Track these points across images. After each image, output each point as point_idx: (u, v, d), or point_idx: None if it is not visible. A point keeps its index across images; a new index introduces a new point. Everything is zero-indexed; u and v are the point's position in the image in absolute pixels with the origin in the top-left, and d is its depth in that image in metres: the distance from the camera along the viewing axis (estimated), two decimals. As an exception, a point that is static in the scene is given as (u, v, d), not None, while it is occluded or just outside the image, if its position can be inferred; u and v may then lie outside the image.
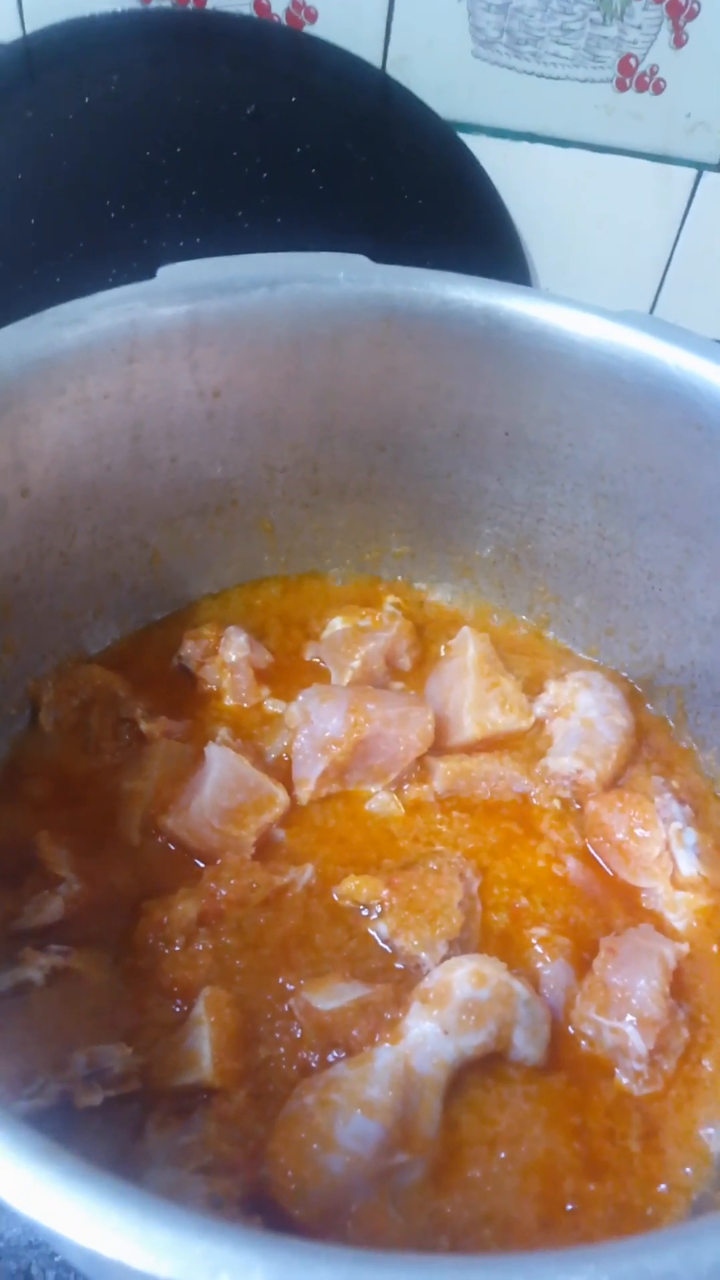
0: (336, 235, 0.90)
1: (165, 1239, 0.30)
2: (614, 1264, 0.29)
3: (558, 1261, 0.30)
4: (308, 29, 0.96)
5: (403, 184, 1.00)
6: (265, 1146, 0.56)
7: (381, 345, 0.73)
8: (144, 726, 0.75)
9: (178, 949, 0.64)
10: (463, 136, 1.00)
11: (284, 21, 0.96)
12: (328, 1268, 0.29)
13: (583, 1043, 0.64)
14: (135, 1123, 0.58)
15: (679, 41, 0.94)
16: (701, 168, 1.03)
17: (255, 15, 0.96)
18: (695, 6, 0.91)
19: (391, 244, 1.00)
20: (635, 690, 0.84)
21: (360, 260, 0.71)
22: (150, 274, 0.68)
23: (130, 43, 0.97)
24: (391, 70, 0.98)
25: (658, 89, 0.97)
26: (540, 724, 0.81)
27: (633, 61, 0.95)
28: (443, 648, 0.85)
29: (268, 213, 1.01)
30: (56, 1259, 0.63)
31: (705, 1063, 0.65)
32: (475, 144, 1.00)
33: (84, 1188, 0.31)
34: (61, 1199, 0.30)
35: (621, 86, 0.97)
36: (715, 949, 0.69)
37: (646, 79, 0.97)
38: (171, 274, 0.67)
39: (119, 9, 0.96)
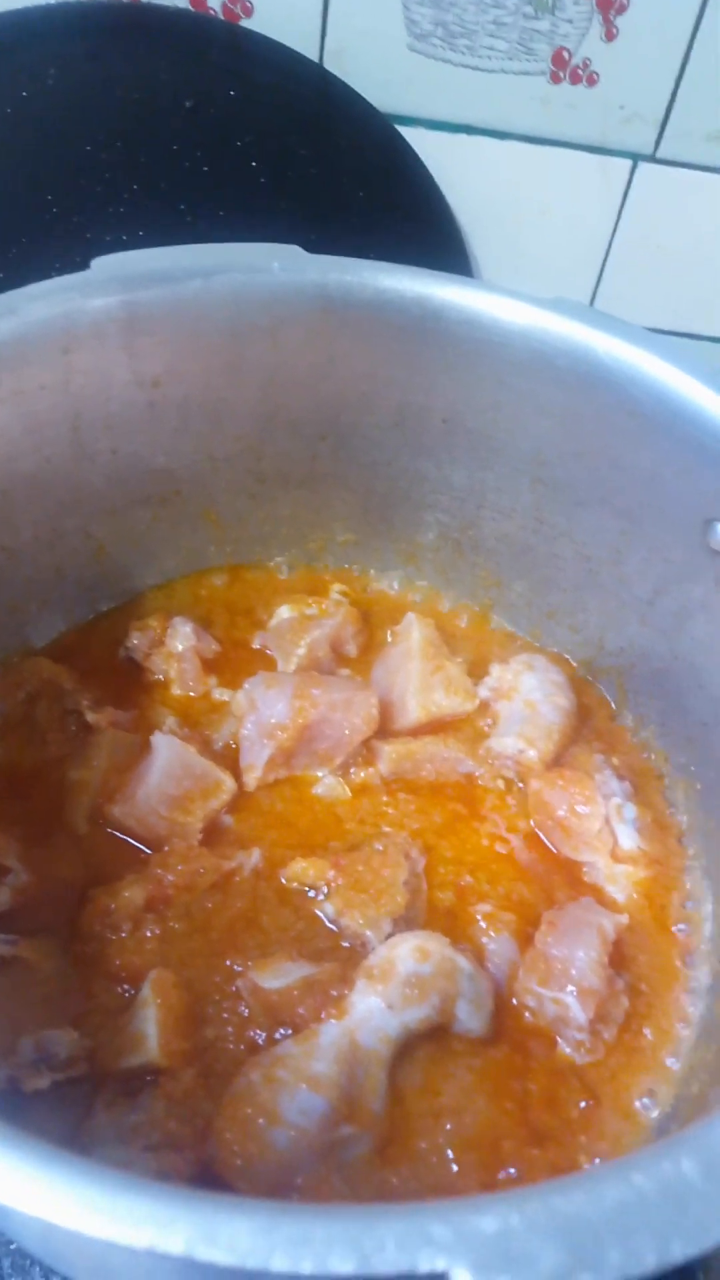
0: (279, 227, 0.90)
1: (90, 1195, 0.30)
2: (523, 1204, 0.31)
3: (469, 1205, 0.31)
4: (244, 23, 0.97)
5: (343, 176, 1.01)
6: (212, 1124, 0.57)
7: (319, 335, 0.74)
8: (90, 717, 0.75)
9: (124, 935, 0.65)
10: (401, 129, 1.01)
11: (220, 15, 0.97)
12: (247, 1219, 0.30)
13: (526, 1014, 0.66)
14: (85, 1104, 0.59)
15: (610, 35, 0.96)
16: (637, 158, 1.04)
17: (191, 9, 0.97)
18: (624, 1, 0.93)
19: (333, 236, 1.01)
20: (577, 671, 0.85)
21: (294, 250, 0.72)
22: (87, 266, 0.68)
23: (67, 36, 0.96)
24: (329, 64, 0.98)
25: (591, 81, 0.99)
26: (485, 706, 0.82)
27: (566, 54, 0.97)
28: (389, 633, 0.86)
29: (210, 205, 1.01)
30: (12, 1246, 0.64)
31: (645, 1031, 0.66)
32: (413, 136, 1.01)
33: (9, 1149, 0.31)
34: (-15, 1161, 0.31)
35: (556, 79, 0.98)
36: (654, 920, 0.71)
37: (580, 71, 0.98)
38: (106, 265, 0.67)
39: (54, 1, 0.96)
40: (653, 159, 1.04)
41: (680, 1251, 0.30)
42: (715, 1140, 0.33)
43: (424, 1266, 0.30)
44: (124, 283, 0.67)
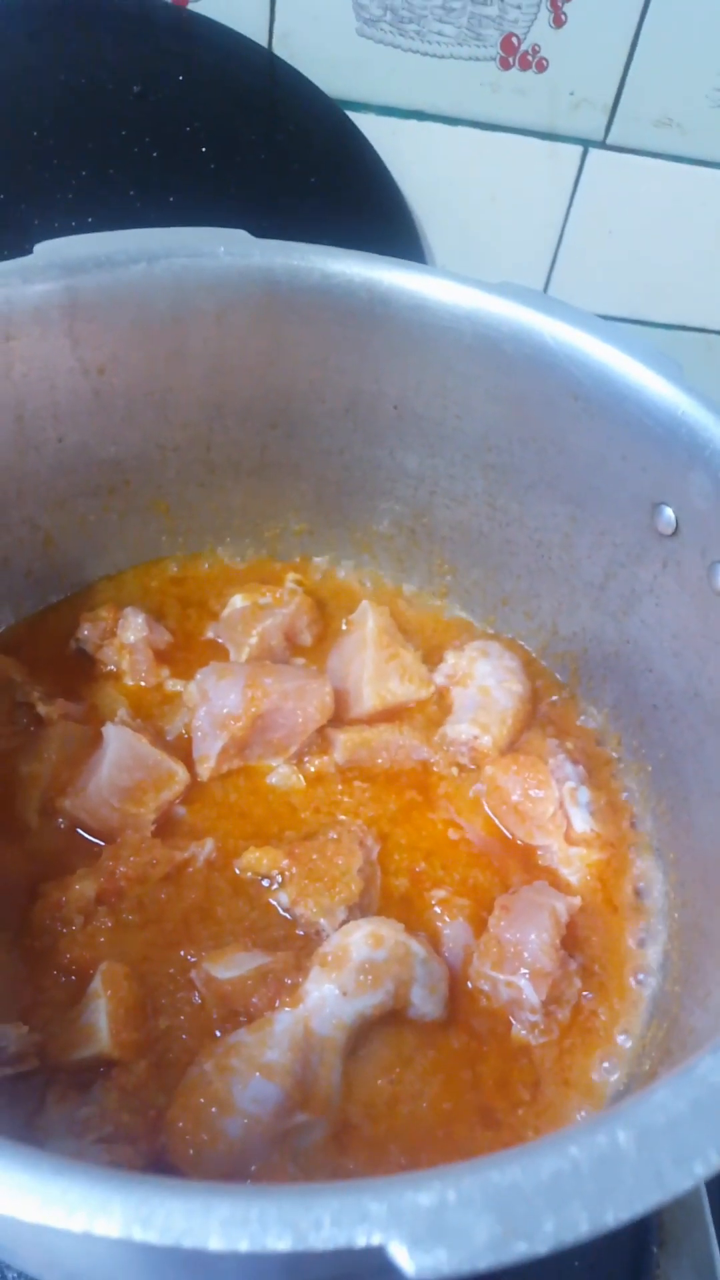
0: (229, 213, 0.89)
1: (24, 1179, 0.30)
2: (459, 1179, 0.31)
3: (405, 1181, 0.31)
4: (191, 6, 0.96)
5: (293, 162, 1.00)
6: (165, 1114, 0.56)
7: (266, 320, 0.73)
8: (41, 710, 0.75)
9: (76, 928, 0.64)
10: (351, 114, 1.00)
11: (167, -2, 0.96)
12: (183, 1200, 0.30)
13: (481, 998, 0.66)
14: (36, 1099, 0.58)
15: (558, 21, 0.96)
16: (587, 145, 1.05)
17: (138, -8, 0.96)
18: (571, -13, 0.93)
19: (284, 222, 1.00)
20: (532, 657, 0.86)
21: (240, 235, 0.71)
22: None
23: (10, 19, 0.95)
24: (277, 48, 0.98)
25: (540, 67, 0.99)
26: (441, 693, 0.82)
27: (515, 40, 0.97)
28: (344, 622, 0.86)
29: (159, 191, 1.00)
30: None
31: (599, 1011, 0.67)
32: (364, 122, 1.01)
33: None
34: None
35: (505, 65, 0.98)
36: (606, 901, 0.72)
37: (529, 57, 0.98)
38: (48, 250, 0.66)
39: (-2, -16, 0.94)
40: (603, 145, 1.05)
41: (613, 1218, 0.30)
42: (650, 1111, 0.34)
43: (360, 1242, 0.30)
44: (66, 267, 0.66)
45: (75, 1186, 0.30)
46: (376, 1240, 0.30)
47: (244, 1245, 0.30)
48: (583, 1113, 0.62)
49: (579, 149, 1.05)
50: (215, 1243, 0.30)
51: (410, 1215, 0.30)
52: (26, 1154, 0.31)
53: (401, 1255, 0.30)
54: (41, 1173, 0.30)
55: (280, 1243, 0.30)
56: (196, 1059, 0.58)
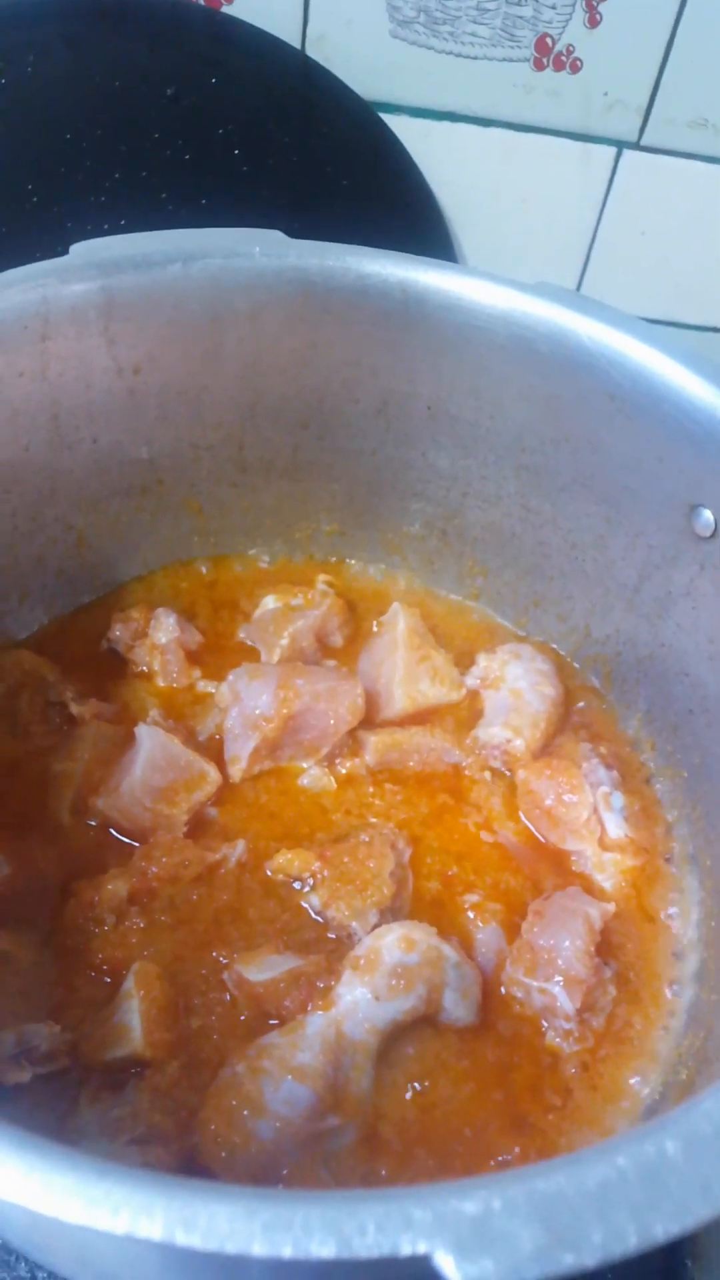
0: (261, 215, 0.89)
1: (67, 1182, 0.30)
2: (504, 1187, 0.30)
3: (451, 1189, 0.30)
4: (225, 9, 0.96)
5: (326, 164, 1.00)
6: (197, 1115, 0.56)
7: (301, 320, 0.73)
8: (74, 709, 0.75)
9: (108, 928, 0.64)
10: (384, 116, 1.00)
11: (201, 1, 0.96)
12: (226, 1204, 0.30)
13: (514, 1004, 0.65)
14: (69, 1100, 0.58)
15: (593, 21, 0.95)
16: (621, 146, 1.04)
17: (172, -5, 0.96)
18: (607, -14, 0.93)
19: (317, 224, 1.01)
20: (564, 660, 0.85)
21: (276, 235, 0.71)
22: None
23: (46, 22, 0.95)
24: (311, 50, 0.98)
25: (575, 68, 0.98)
26: (472, 696, 0.82)
27: (549, 41, 0.96)
28: (375, 624, 0.85)
29: (191, 194, 1.00)
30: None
31: (633, 1019, 0.66)
32: (397, 124, 1.00)
33: (-20, 1139, 0.31)
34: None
35: (539, 66, 0.98)
36: (641, 908, 0.71)
37: (563, 58, 0.98)
38: (84, 250, 0.67)
39: (33, -12, 0.95)
40: (637, 146, 1.04)
41: (662, 1231, 0.30)
42: (698, 1121, 0.33)
43: (405, 1249, 0.29)
44: (103, 268, 0.67)
45: (118, 1189, 0.30)
46: (422, 1248, 0.29)
47: (287, 1251, 0.29)
48: (619, 1122, 0.61)
49: (613, 150, 1.04)
50: (258, 1248, 0.29)
51: (455, 1223, 0.30)
52: (69, 1156, 0.31)
53: (447, 1264, 0.29)
54: (85, 1175, 0.30)
55: (324, 1249, 0.29)
56: (228, 1060, 0.58)
